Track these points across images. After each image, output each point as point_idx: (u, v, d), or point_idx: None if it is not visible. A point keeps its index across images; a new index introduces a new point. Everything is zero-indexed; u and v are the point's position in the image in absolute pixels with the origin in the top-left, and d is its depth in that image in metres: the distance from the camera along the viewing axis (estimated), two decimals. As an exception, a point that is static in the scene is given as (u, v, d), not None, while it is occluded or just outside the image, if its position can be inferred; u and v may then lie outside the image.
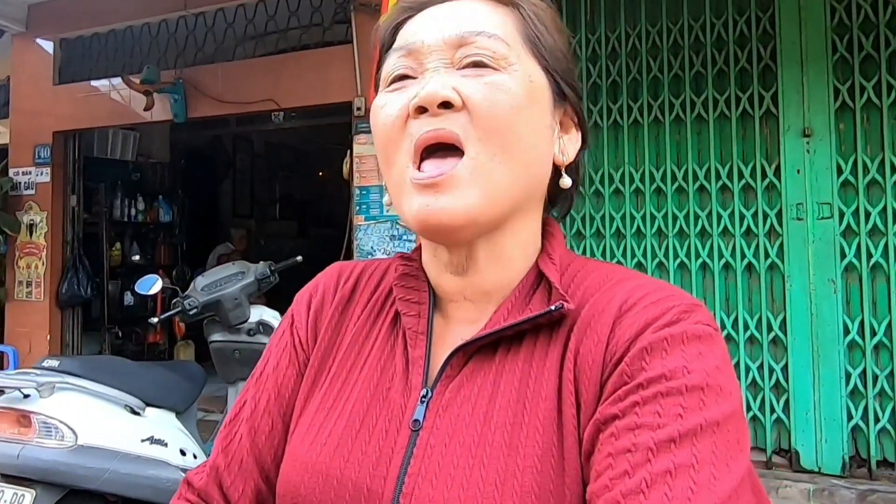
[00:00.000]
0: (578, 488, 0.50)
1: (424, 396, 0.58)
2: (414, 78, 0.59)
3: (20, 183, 5.56)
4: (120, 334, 6.56)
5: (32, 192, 5.54)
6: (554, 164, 0.63)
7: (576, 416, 0.52)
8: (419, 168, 0.57)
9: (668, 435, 0.47)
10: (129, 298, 6.73)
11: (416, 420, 0.57)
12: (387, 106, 0.59)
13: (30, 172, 5.54)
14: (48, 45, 5.54)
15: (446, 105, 0.56)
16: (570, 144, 0.64)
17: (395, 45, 0.62)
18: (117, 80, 5.16)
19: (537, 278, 0.61)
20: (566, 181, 0.64)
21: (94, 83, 5.36)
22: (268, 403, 0.66)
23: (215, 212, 8.19)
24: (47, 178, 5.50)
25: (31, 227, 5.52)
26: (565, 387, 0.54)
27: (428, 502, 0.53)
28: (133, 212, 6.79)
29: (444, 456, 0.54)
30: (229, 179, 8.35)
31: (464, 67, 0.58)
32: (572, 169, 0.65)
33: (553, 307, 0.56)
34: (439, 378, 0.59)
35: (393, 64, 0.61)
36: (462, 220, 0.56)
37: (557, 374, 0.55)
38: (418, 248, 0.67)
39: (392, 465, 0.56)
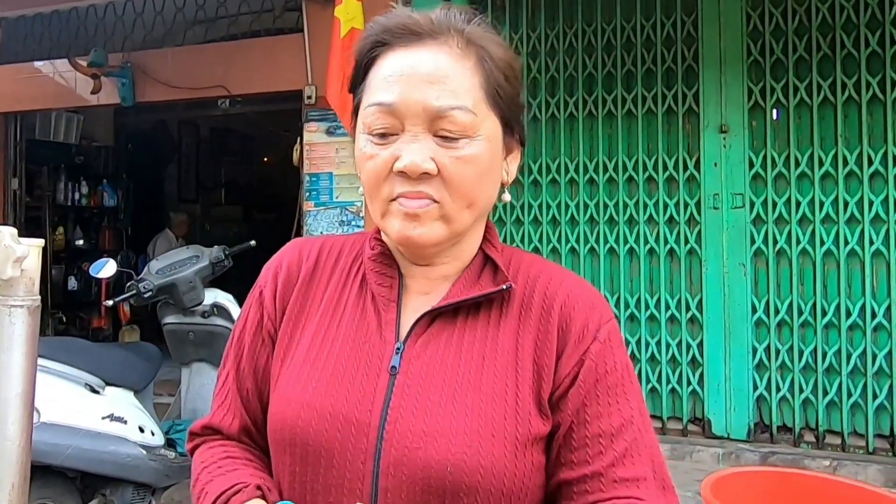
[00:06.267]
0: (527, 415, 0.72)
1: (398, 349, 0.75)
2: (395, 134, 0.72)
3: (-42, 165, 5.46)
4: (64, 319, 6.49)
5: (-29, 174, 5.45)
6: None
7: (531, 369, 0.74)
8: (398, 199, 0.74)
9: (619, 420, 0.73)
10: (72, 283, 6.66)
11: (393, 366, 0.74)
12: (375, 158, 0.73)
13: (-32, 154, 5.45)
14: (-13, 25, 5.42)
15: (425, 174, 0.71)
16: (513, 163, 0.81)
17: (375, 97, 0.73)
18: (61, 62, 5.10)
19: (484, 261, 0.81)
20: (506, 197, 0.83)
21: (37, 64, 5.28)
22: (243, 361, 0.84)
23: (160, 196, 8.10)
24: (-13, 161, 5.42)
25: (-29, 211, 5.44)
26: (522, 348, 0.75)
27: (410, 427, 0.70)
28: (77, 196, 6.69)
29: (420, 393, 0.72)
30: (174, 163, 8.26)
31: (438, 135, 0.72)
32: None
33: (504, 286, 0.76)
34: (409, 335, 0.76)
35: (374, 117, 0.73)
36: (431, 245, 0.74)
37: (514, 338, 0.75)
38: None
39: (376, 402, 0.72)
